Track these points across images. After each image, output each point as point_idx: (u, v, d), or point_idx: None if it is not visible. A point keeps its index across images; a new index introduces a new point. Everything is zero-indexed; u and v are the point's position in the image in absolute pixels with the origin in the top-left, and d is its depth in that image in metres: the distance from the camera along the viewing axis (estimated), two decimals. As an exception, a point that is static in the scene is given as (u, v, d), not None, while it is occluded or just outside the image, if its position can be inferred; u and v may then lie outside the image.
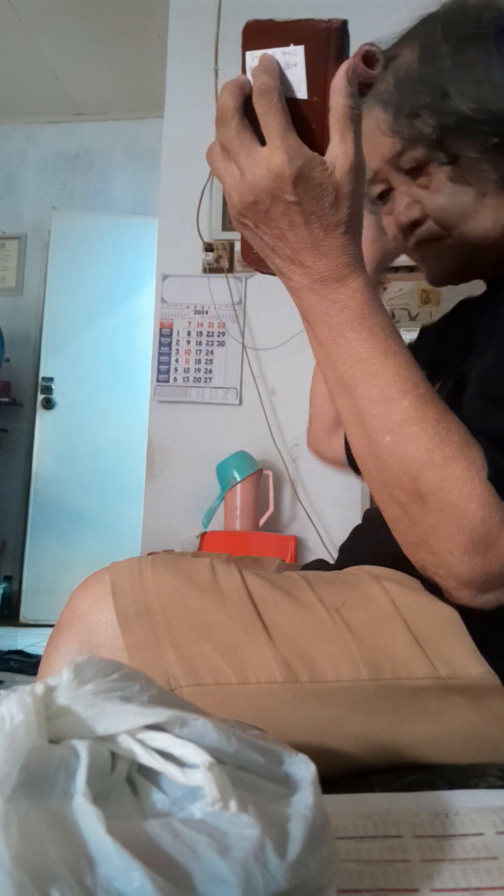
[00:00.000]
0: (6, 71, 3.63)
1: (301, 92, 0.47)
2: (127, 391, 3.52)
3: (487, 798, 0.37)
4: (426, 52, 0.62)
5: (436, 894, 0.29)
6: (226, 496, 2.27)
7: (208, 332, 2.50)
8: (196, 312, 2.51)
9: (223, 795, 0.25)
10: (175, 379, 2.50)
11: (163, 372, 2.51)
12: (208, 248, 2.46)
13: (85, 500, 3.54)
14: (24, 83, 3.74)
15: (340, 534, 2.23)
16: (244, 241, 0.52)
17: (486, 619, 0.50)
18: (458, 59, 0.60)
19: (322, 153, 0.46)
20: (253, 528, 2.24)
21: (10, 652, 2.65)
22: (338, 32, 0.46)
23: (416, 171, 0.65)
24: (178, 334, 2.51)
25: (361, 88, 0.57)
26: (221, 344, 2.49)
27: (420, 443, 0.47)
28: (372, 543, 0.56)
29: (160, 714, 0.27)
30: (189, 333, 2.51)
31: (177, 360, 2.50)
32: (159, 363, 2.51)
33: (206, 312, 2.49)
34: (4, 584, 3.60)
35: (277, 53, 0.46)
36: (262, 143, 0.46)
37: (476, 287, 0.75)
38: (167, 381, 2.50)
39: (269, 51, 0.46)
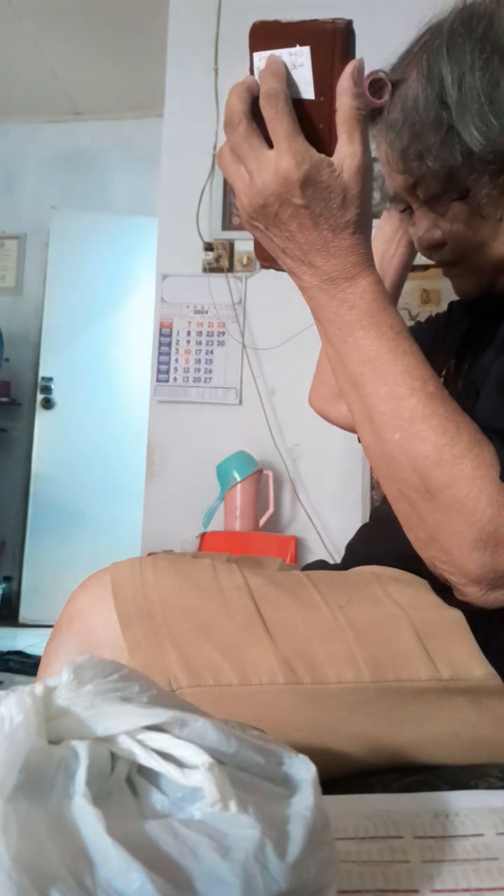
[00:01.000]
0: (6, 70, 3.63)
1: (308, 93, 0.47)
2: (127, 391, 3.52)
3: (488, 799, 0.37)
4: (431, 81, 0.60)
5: (436, 895, 0.29)
6: (226, 496, 2.27)
7: (208, 331, 2.50)
8: (196, 312, 2.51)
9: (223, 796, 0.25)
10: (175, 379, 2.50)
11: (163, 372, 2.51)
12: (208, 247, 2.46)
13: (84, 500, 3.54)
14: (23, 83, 3.74)
15: (340, 534, 2.23)
16: (257, 241, 0.53)
17: (490, 620, 0.50)
18: (464, 88, 0.58)
19: (329, 153, 0.46)
20: (253, 529, 2.24)
21: (9, 652, 2.65)
22: (343, 33, 0.46)
23: (432, 202, 0.65)
24: (177, 334, 2.51)
25: (372, 114, 0.58)
26: (221, 344, 2.49)
27: (429, 441, 0.47)
28: (382, 542, 0.56)
29: (160, 715, 0.27)
30: (189, 333, 2.51)
31: (177, 360, 2.50)
32: (159, 363, 2.51)
33: (206, 312, 2.49)
34: (4, 585, 3.60)
35: (284, 54, 0.46)
36: (271, 145, 0.46)
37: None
38: (167, 380, 2.50)
39: (276, 52, 0.46)
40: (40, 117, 4.04)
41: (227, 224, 2.46)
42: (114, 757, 0.27)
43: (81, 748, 0.26)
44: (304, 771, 0.29)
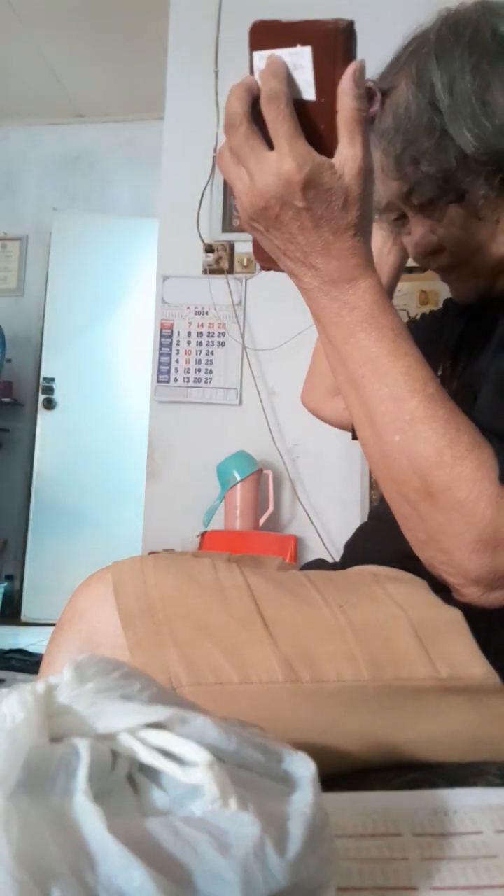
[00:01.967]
0: (6, 72, 3.63)
1: (309, 93, 0.47)
2: (127, 391, 3.52)
3: (486, 796, 0.38)
4: (421, 88, 0.61)
5: (435, 892, 0.29)
6: (226, 496, 2.27)
7: (208, 332, 2.50)
8: (196, 313, 2.51)
9: (223, 794, 0.25)
10: (175, 379, 2.50)
11: (163, 372, 2.51)
12: (208, 249, 2.46)
13: (86, 500, 3.54)
14: (24, 85, 3.74)
15: (340, 533, 2.23)
16: (255, 241, 0.53)
17: (489, 619, 0.50)
18: (455, 92, 0.59)
19: (330, 155, 0.46)
20: (253, 528, 2.24)
21: (11, 651, 2.65)
22: (344, 33, 0.46)
23: (428, 207, 0.65)
24: (178, 335, 2.51)
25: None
26: (221, 344, 2.49)
27: (429, 442, 0.47)
28: (380, 541, 0.57)
29: (161, 712, 0.27)
30: (189, 334, 2.51)
31: (177, 361, 2.51)
32: (160, 364, 2.51)
33: (207, 313, 2.50)
34: (6, 584, 3.60)
35: (285, 54, 0.46)
36: (272, 146, 0.46)
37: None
38: (167, 381, 2.50)
39: (277, 52, 0.46)
40: (41, 119, 4.04)
41: (227, 226, 2.46)
42: (115, 755, 0.27)
43: (83, 746, 0.26)
44: (303, 768, 0.29)
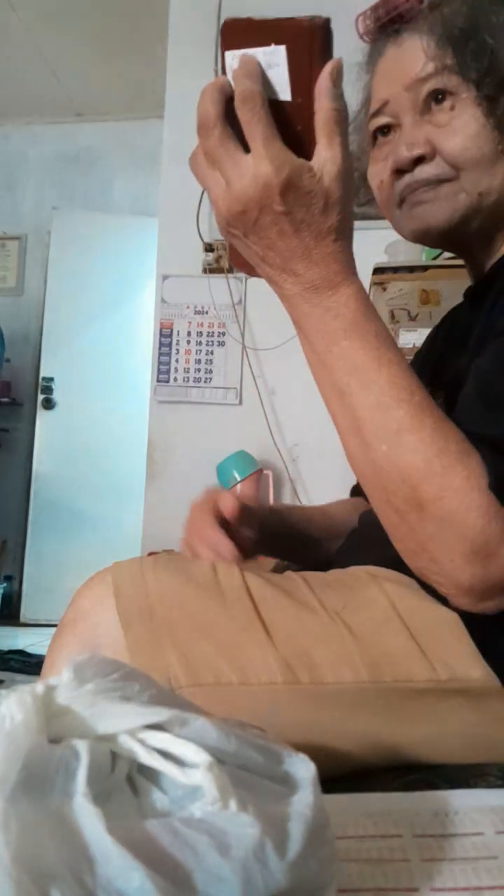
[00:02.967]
0: (6, 71, 3.63)
1: (284, 94, 0.45)
2: (127, 391, 3.52)
3: (487, 797, 0.38)
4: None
5: (435, 893, 0.29)
6: (226, 496, 2.27)
7: (208, 332, 2.50)
8: (196, 313, 2.51)
9: (223, 795, 0.25)
10: (175, 379, 2.50)
11: (163, 372, 2.51)
12: (208, 248, 2.46)
13: (85, 500, 3.54)
14: (24, 84, 3.74)
15: (341, 534, 2.23)
16: (232, 247, 0.51)
17: (486, 621, 0.50)
18: None
19: (307, 156, 0.45)
20: (253, 528, 2.24)
21: (10, 651, 2.65)
22: (321, 31, 0.44)
23: (437, 101, 0.62)
24: (178, 334, 2.51)
25: (396, 20, 0.55)
26: (221, 344, 2.49)
27: (417, 452, 0.46)
28: (372, 547, 0.56)
29: (160, 714, 0.27)
30: (189, 333, 2.51)
31: (177, 361, 2.51)
32: (159, 363, 2.51)
33: (206, 312, 2.50)
34: (5, 584, 3.60)
35: (258, 54, 0.44)
36: (247, 149, 0.45)
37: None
38: (167, 381, 2.50)
39: (250, 51, 0.44)
40: (41, 118, 4.04)
41: (227, 224, 2.47)
42: (114, 756, 0.27)
43: (82, 747, 0.26)
44: (303, 770, 0.29)
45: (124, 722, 0.27)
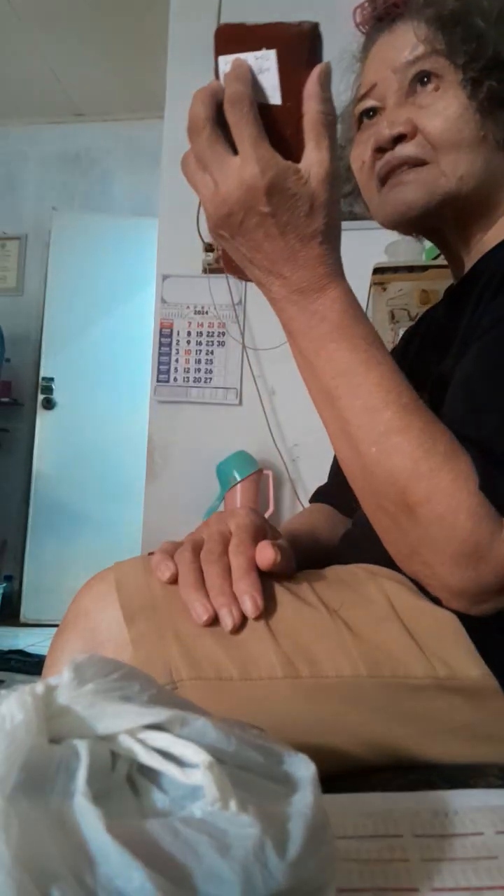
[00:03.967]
0: (6, 71, 3.64)
1: (274, 98, 0.46)
2: (127, 391, 3.52)
3: (487, 797, 0.38)
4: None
5: (436, 894, 0.29)
6: (226, 496, 2.27)
7: (208, 332, 2.50)
8: (196, 312, 2.51)
9: (223, 795, 0.25)
10: (175, 379, 2.50)
11: (163, 372, 2.51)
12: (208, 248, 2.46)
13: (85, 500, 3.54)
14: (24, 84, 3.75)
15: (341, 534, 2.23)
16: (225, 252, 0.52)
17: (484, 621, 0.50)
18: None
19: (297, 160, 0.46)
20: (253, 529, 2.24)
21: (10, 651, 2.66)
22: (310, 36, 0.45)
23: (422, 83, 0.63)
24: (178, 334, 2.52)
25: (390, 10, 0.56)
26: (221, 344, 2.49)
27: (405, 454, 0.46)
28: (367, 547, 0.56)
29: (160, 713, 0.27)
30: (189, 333, 2.51)
31: (177, 360, 2.51)
32: (159, 363, 2.51)
33: (207, 312, 2.50)
34: (5, 584, 3.60)
35: (250, 58, 0.45)
36: (236, 152, 0.45)
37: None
38: (167, 381, 2.50)
39: (242, 55, 0.45)
40: (41, 118, 4.05)
41: (227, 224, 2.47)
42: (114, 756, 0.27)
43: (82, 747, 0.26)
44: (303, 769, 0.29)
45: (124, 722, 0.27)
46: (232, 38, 0.46)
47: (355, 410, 0.48)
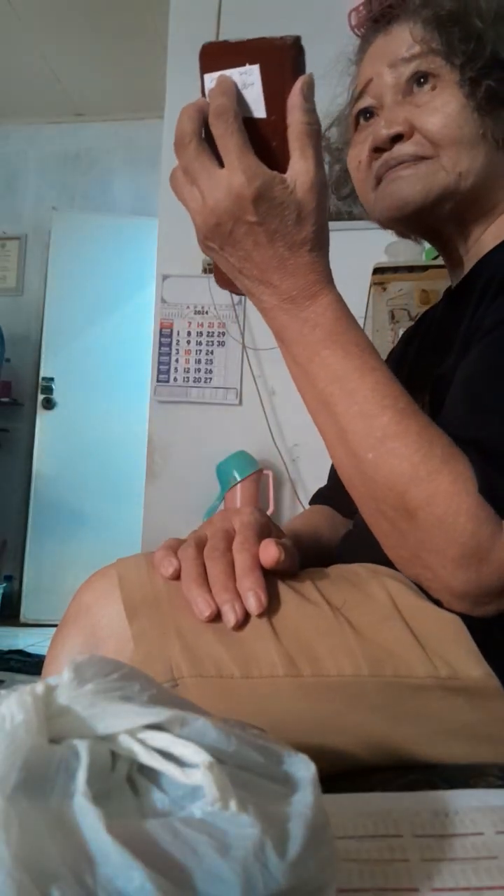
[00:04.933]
0: (6, 71, 3.64)
1: (259, 111, 0.47)
2: (127, 391, 3.53)
3: (487, 798, 0.37)
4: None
5: (436, 894, 0.29)
6: (226, 496, 2.27)
7: (208, 332, 2.50)
8: (196, 312, 2.51)
9: (223, 795, 0.25)
10: (175, 379, 2.50)
11: (163, 372, 2.51)
12: (208, 248, 2.46)
13: (85, 500, 3.54)
14: (24, 84, 3.75)
15: (341, 534, 2.23)
16: (216, 265, 0.52)
17: (486, 621, 0.50)
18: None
19: (284, 171, 0.46)
20: (253, 529, 2.24)
21: (10, 651, 2.66)
22: (292, 49, 0.46)
23: (419, 84, 0.63)
24: (178, 334, 2.51)
25: (385, 11, 0.56)
26: (221, 344, 2.49)
27: (403, 458, 0.47)
28: (367, 548, 0.56)
29: (160, 713, 0.27)
30: (189, 333, 2.51)
31: (177, 361, 2.51)
32: (159, 363, 2.51)
33: (207, 312, 2.50)
34: (5, 584, 3.60)
35: (234, 74, 0.46)
36: (223, 164, 0.46)
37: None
38: (167, 381, 2.50)
39: (227, 72, 0.46)
40: (41, 118, 4.05)
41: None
42: (114, 756, 0.27)
43: (82, 747, 0.26)
44: (303, 770, 0.29)
45: (124, 722, 0.27)
46: (216, 55, 0.47)
47: (351, 416, 0.48)
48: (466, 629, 0.50)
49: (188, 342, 2.51)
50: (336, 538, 0.77)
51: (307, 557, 0.61)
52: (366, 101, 0.67)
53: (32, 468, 3.64)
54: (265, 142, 0.47)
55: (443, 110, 0.61)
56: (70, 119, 4.05)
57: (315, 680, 0.47)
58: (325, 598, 0.52)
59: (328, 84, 0.71)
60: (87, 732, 0.27)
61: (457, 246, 0.69)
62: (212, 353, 2.50)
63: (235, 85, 0.46)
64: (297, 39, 0.46)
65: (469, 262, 0.68)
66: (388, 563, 0.53)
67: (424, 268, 1.80)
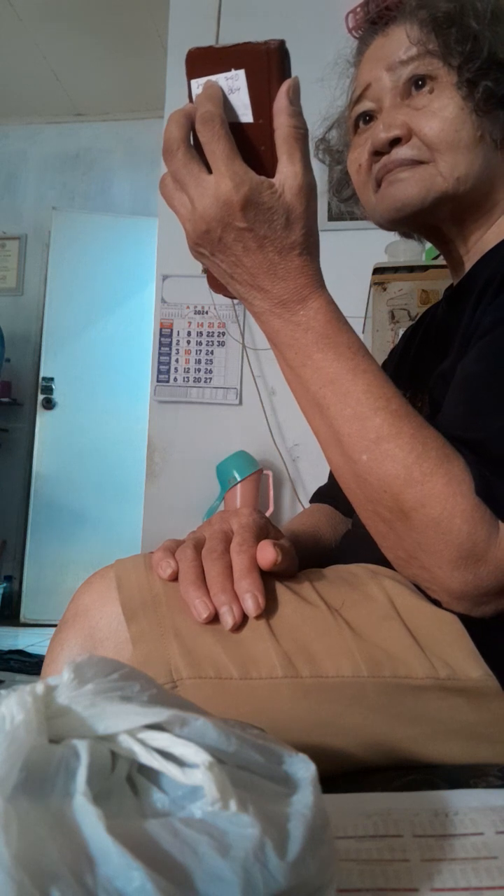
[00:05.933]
0: (6, 71, 3.64)
1: (246, 116, 0.47)
2: (127, 391, 3.53)
3: (487, 798, 0.37)
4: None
5: (436, 894, 0.29)
6: (226, 496, 2.27)
7: (208, 332, 2.50)
8: (196, 312, 2.51)
9: (223, 795, 0.25)
10: (175, 379, 2.50)
11: (163, 372, 2.51)
12: (208, 248, 2.46)
13: (85, 500, 3.54)
14: (24, 83, 3.75)
15: (340, 534, 2.23)
16: (209, 272, 0.52)
17: (485, 621, 0.50)
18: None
19: (272, 175, 0.46)
20: (253, 529, 2.24)
21: (10, 652, 2.66)
22: (277, 53, 0.46)
23: (417, 87, 0.63)
24: (178, 334, 2.52)
25: (382, 14, 0.57)
26: (221, 344, 2.49)
27: (397, 460, 0.47)
28: (366, 548, 0.56)
29: (160, 713, 0.27)
30: (189, 333, 2.51)
31: (177, 360, 2.51)
32: (159, 363, 2.51)
33: (206, 312, 2.50)
34: (5, 584, 3.60)
35: (221, 79, 0.46)
36: (211, 171, 0.46)
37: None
38: (167, 381, 2.50)
39: (213, 77, 0.46)
40: (41, 118, 4.05)
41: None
42: (114, 756, 0.27)
43: (82, 747, 0.26)
44: (303, 770, 0.29)
45: (124, 722, 0.27)
46: (202, 60, 0.47)
47: (345, 419, 0.48)
48: (465, 630, 0.50)
49: (188, 342, 2.51)
50: (336, 537, 0.77)
51: (307, 557, 0.61)
52: (365, 105, 0.68)
53: (32, 468, 3.64)
54: (253, 146, 0.47)
55: (440, 114, 0.62)
56: (70, 119, 4.05)
57: (314, 681, 0.47)
58: (323, 599, 0.52)
59: (327, 86, 0.72)
60: (87, 732, 0.27)
61: (457, 245, 0.69)
62: (212, 353, 2.50)
63: (222, 90, 0.46)
64: (281, 43, 0.46)
65: (470, 262, 0.68)
66: (388, 562, 0.53)
67: (425, 268, 1.80)
